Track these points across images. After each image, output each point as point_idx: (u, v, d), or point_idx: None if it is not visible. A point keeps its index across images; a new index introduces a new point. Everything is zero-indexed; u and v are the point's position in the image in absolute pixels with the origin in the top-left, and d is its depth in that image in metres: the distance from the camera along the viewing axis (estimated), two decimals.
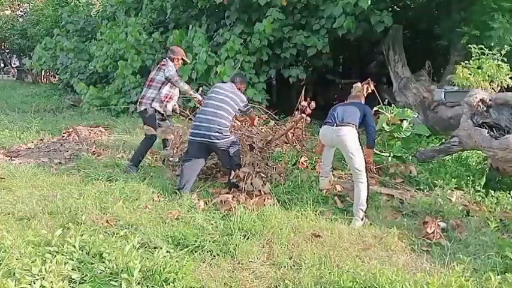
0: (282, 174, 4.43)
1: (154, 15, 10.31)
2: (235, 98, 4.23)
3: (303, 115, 4.50)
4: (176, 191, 4.08)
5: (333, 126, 3.77)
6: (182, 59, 5.04)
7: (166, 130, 5.11)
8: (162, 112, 4.98)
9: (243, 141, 4.79)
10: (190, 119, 6.43)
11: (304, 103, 4.57)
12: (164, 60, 5.00)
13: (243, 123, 5.38)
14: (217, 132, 3.98)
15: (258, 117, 5.22)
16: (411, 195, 4.01)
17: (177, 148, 5.25)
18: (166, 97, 4.97)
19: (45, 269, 2.40)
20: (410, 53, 8.08)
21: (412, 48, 8.89)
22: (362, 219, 3.54)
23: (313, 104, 4.54)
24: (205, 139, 4.00)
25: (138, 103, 5.02)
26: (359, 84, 4.41)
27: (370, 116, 3.93)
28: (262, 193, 3.95)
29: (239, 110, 4.30)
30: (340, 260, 2.85)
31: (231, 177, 4.08)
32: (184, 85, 4.89)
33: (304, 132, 5.23)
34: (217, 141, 3.99)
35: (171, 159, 5.23)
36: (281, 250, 2.99)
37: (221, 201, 3.84)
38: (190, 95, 5.06)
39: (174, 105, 5.19)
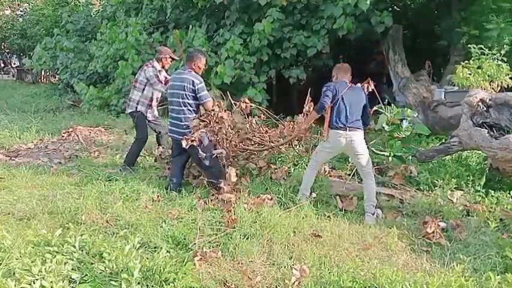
0: (283, 176, 4.43)
1: (154, 15, 10.30)
2: (187, 85, 3.93)
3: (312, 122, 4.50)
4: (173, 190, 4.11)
5: (345, 130, 3.50)
6: (170, 57, 5.08)
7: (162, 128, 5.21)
8: (148, 118, 5.00)
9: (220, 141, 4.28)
10: None
11: (307, 107, 4.57)
12: (150, 61, 5.06)
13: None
14: (183, 129, 3.98)
15: (219, 104, 4.19)
16: (411, 195, 4.00)
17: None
18: (151, 100, 4.98)
19: (45, 269, 2.40)
20: (410, 53, 8.07)
21: (412, 48, 8.89)
22: (374, 214, 3.55)
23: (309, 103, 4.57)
24: (173, 134, 4.11)
25: (126, 104, 5.11)
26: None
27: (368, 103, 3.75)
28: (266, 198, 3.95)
29: (195, 95, 3.96)
30: (340, 260, 2.85)
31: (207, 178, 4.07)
32: (162, 87, 4.88)
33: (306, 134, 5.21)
34: (181, 137, 3.88)
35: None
36: (281, 250, 2.99)
37: (222, 200, 3.84)
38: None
39: None
